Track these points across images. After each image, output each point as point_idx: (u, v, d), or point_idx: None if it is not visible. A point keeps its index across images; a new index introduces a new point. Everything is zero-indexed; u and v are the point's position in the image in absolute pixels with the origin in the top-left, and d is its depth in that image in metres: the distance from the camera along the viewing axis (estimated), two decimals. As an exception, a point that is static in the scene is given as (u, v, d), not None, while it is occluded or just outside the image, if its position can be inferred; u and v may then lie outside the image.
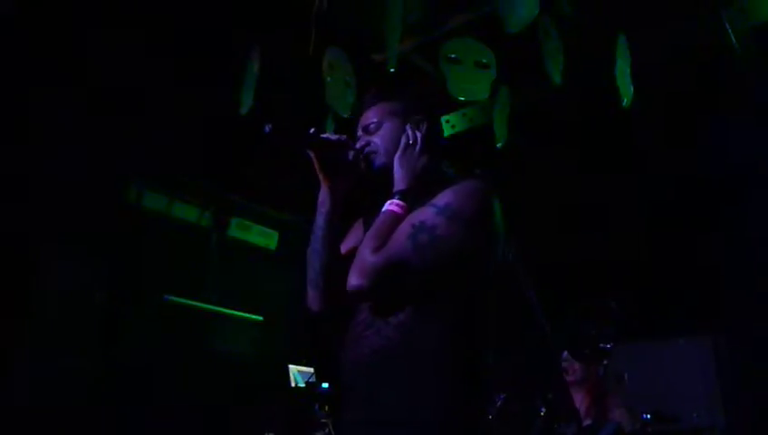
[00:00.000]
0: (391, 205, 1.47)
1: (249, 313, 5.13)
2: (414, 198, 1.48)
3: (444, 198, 1.42)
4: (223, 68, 3.43)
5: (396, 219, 1.43)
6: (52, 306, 3.91)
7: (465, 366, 1.37)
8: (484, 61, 3.08)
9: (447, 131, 4.08)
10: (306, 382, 4.52)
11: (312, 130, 1.49)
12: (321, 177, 1.54)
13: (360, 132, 1.61)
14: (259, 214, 5.32)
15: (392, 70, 3.01)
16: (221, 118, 3.67)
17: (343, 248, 1.59)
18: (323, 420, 4.00)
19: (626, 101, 2.96)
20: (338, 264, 1.51)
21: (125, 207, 4.43)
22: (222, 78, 3.43)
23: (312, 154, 1.52)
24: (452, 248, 1.37)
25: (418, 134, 1.54)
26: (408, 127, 1.55)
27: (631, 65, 2.97)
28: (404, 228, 1.40)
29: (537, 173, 4.43)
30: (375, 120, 1.58)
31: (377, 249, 1.38)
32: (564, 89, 3.05)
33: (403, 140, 1.53)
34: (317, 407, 4.12)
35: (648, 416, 3.40)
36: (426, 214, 1.40)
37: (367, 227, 1.55)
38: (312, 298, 1.56)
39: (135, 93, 3.81)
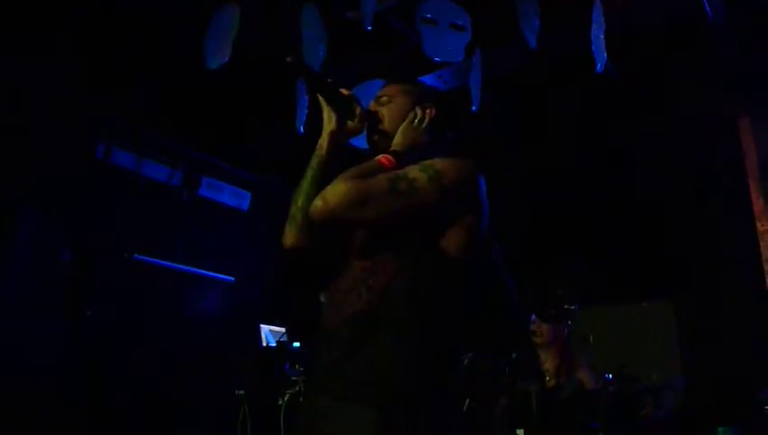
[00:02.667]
0: (381, 157, 1.55)
1: (220, 273, 5.12)
2: (405, 165, 1.52)
3: (430, 161, 1.48)
4: (193, 23, 3.35)
5: (380, 168, 1.49)
6: (17, 266, 3.85)
7: (437, 331, 1.43)
8: (460, 23, 3.06)
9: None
10: (277, 342, 4.55)
11: (330, 79, 1.60)
12: (325, 121, 1.64)
13: (372, 102, 1.72)
14: (231, 174, 5.26)
15: (368, 29, 2.98)
16: (193, 74, 3.59)
17: None
18: (294, 379, 4.04)
19: (599, 67, 2.99)
20: None
21: (93, 165, 4.34)
22: (193, 33, 3.34)
23: (321, 97, 1.62)
24: (426, 205, 1.43)
25: (426, 116, 1.64)
26: (417, 108, 1.65)
27: (605, 31, 2.98)
28: (386, 175, 1.46)
29: (508, 136, 4.45)
30: (388, 94, 1.69)
31: (353, 178, 1.42)
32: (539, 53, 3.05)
33: (410, 115, 1.64)
34: (288, 366, 4.16)
35: (610, 376, 3.51)
36: (410, 169, 1.47)
37: None
38: (289, 234, 1.62)
39: (104, 49, 3.71)
